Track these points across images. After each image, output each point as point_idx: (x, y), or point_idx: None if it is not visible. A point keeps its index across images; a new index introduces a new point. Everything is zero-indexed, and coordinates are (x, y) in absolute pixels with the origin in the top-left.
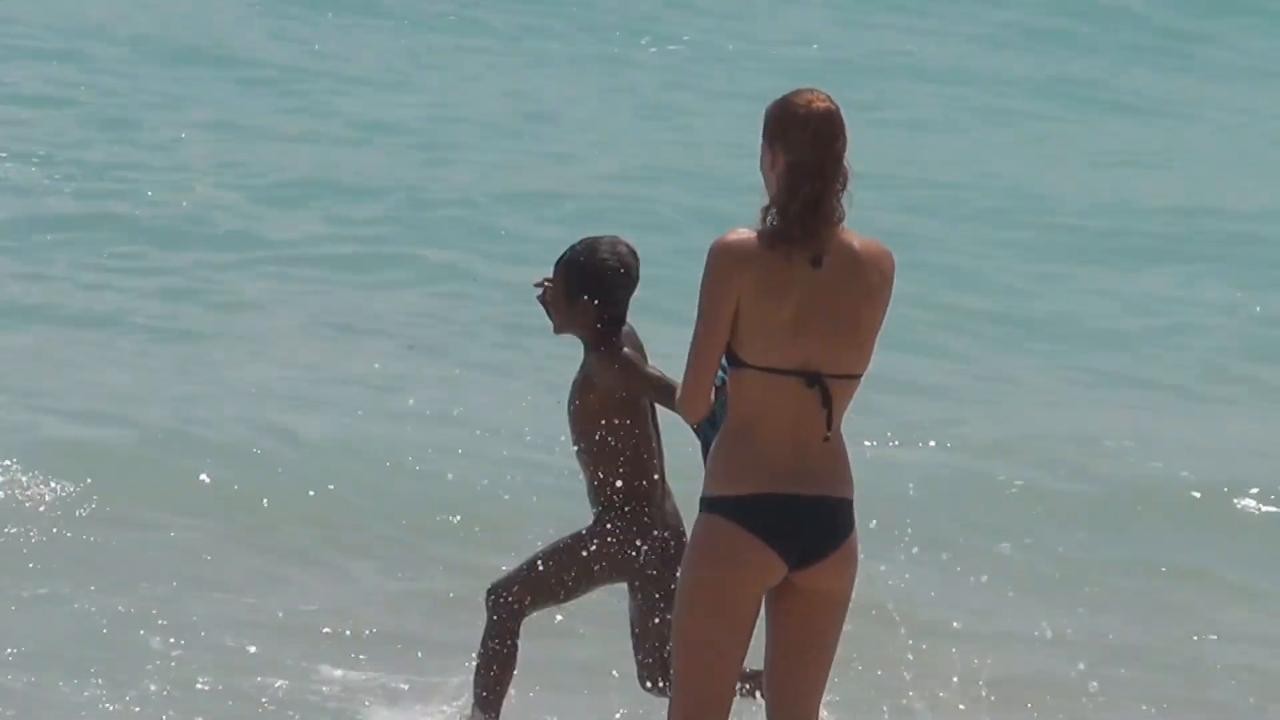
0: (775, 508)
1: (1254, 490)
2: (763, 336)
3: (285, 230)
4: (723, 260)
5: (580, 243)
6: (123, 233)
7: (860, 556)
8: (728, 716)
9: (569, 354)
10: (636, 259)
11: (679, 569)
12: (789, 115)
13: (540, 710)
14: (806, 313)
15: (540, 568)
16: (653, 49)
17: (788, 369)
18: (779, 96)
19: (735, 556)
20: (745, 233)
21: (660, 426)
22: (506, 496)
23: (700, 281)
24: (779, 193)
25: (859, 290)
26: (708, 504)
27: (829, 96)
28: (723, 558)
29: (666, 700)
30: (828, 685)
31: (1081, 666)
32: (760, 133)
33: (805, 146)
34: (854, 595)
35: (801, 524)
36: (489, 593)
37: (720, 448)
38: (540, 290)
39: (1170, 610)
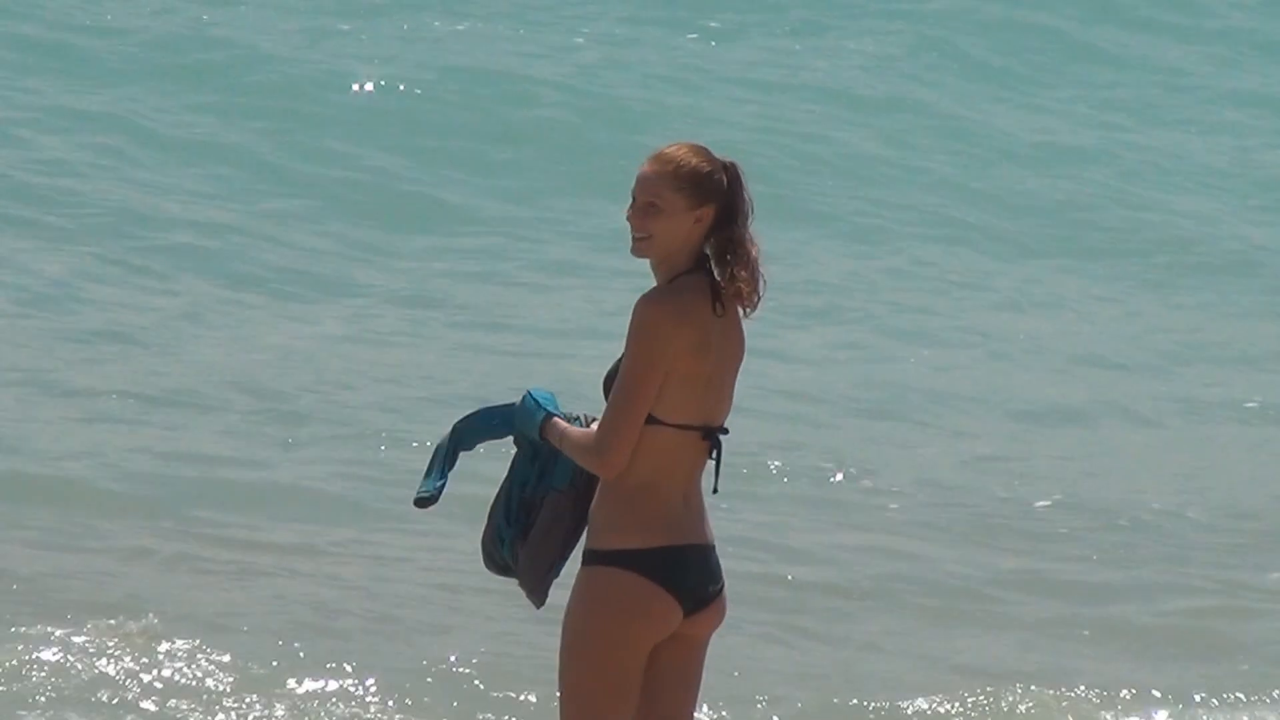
0: (678, 558)
1: None
2: (683, 393)
3: None
4: (665, 323)
5: None
6: None
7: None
8: None
9: None
10: None
11: (574, 619)
12: (721, 172)
13: None
14: (717, 367)
15: None
16: None
17: (694, 425)
18: (688, 158)
19: (643, 609)
20: (673, 291)
21: None
22: None
23: (632, 344)
24: (733, 248)
25: (739, 335)
26: (608, 557)
27: None
28: (630, 611)
29: None
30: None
31: None
32: (678, 196)
33: (744, 198)
34: None
35: (697, 572)
36: None
37: (617, 500)
38: None
39: None
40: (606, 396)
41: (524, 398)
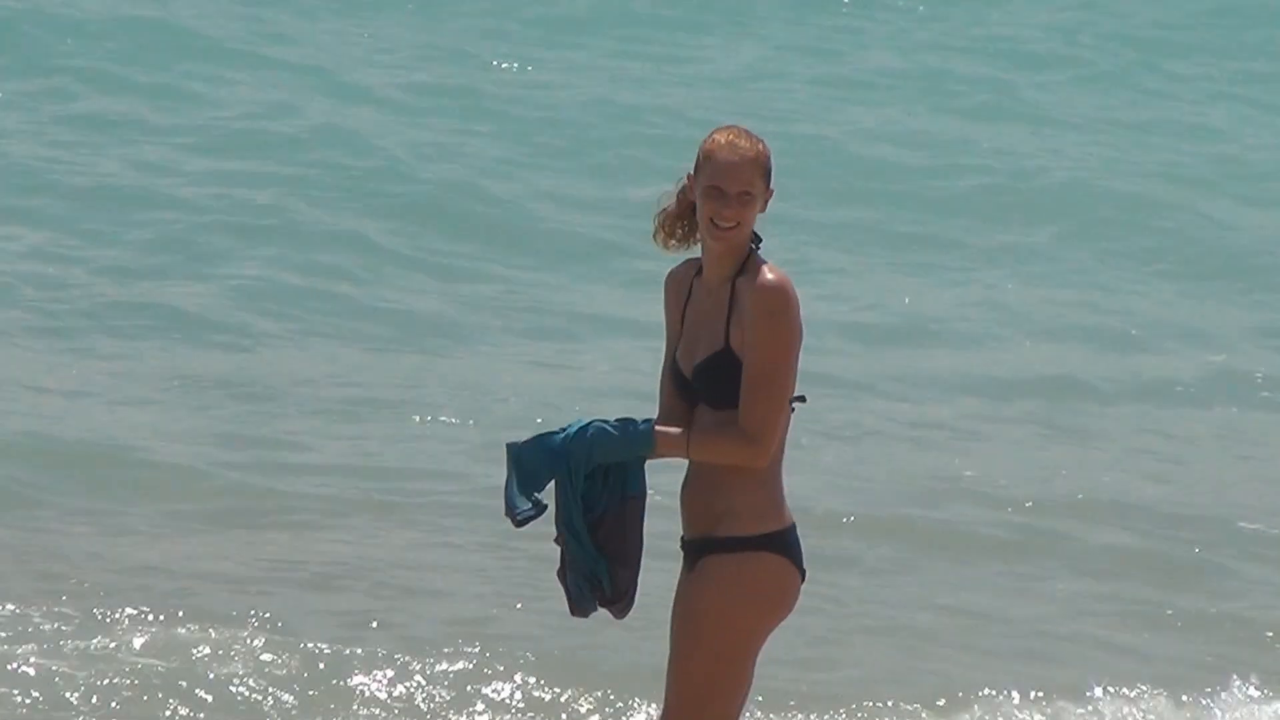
0: (797, 536)
1: None
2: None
3: None
4: (797, 302)
5: None
6: None
7: None
8: None
9: None
10: None
11: (724, 608)
12: None
13: None
14: None
15: None
16: None
17: (794, 397)
18: (757, 143)
19: (790, 591)
20: (782, 270)
21: None
22: None
23: (779, 327)
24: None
25: None
26: (754, 542)
27: None
28: (782, 592)
29: None
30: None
31: None
32: (762, 181)
33: None
34: None
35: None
36: None
37: (746, 485)
38: None
39: None
40: (704, 386)
41: (593, 429)
